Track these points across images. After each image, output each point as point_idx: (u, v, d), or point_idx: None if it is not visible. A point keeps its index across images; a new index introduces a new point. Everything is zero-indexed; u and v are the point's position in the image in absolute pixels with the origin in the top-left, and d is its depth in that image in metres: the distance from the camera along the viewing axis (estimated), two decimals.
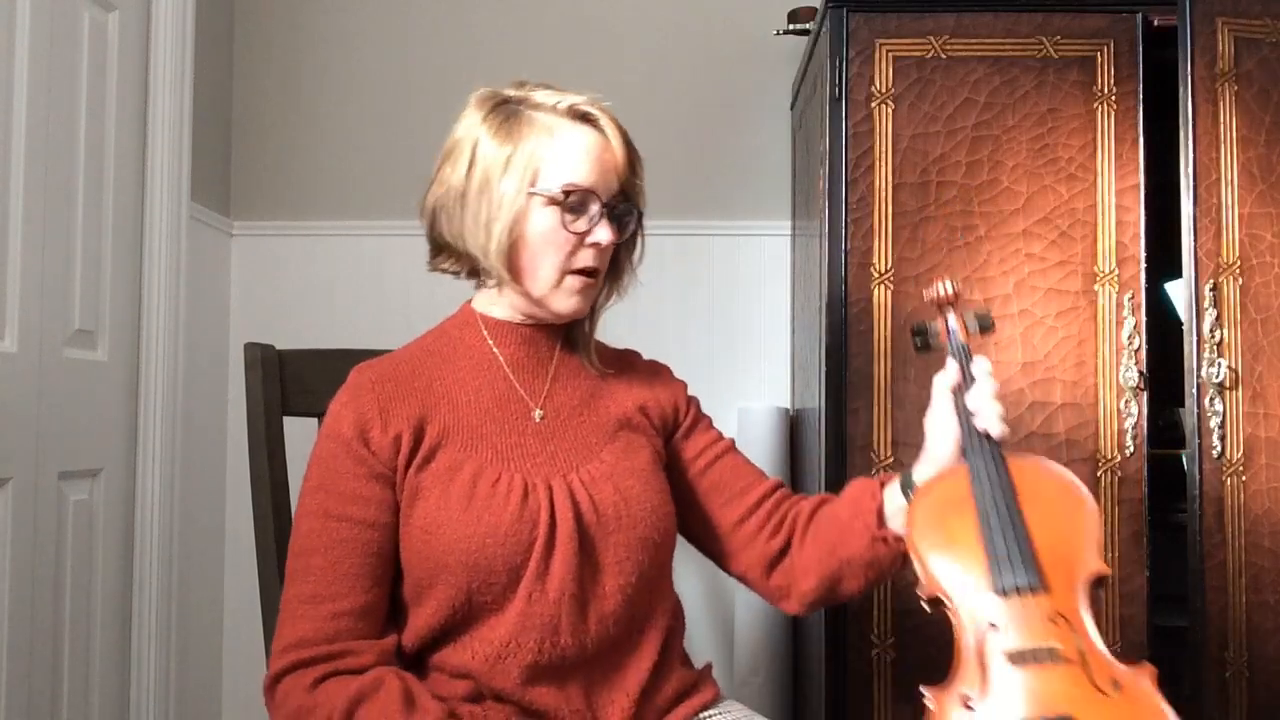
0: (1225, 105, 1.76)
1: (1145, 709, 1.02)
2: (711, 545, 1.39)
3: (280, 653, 1.17)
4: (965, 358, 1.28)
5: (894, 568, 1.29)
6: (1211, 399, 1.73)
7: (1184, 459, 1.76)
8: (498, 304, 1.31)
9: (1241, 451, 1.74)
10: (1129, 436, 1.88)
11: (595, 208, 1.24)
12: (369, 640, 1.18)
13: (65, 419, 1.97)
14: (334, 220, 2.62)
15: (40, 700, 1.90)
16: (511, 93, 1.29)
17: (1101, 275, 1.90)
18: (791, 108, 2.54)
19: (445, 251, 1.31)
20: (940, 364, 1.31)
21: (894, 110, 1.94)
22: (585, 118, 1.28)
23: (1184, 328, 1.74)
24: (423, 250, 2.85)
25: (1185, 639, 1.76)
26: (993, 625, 1.09)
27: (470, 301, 1.35)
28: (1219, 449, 1.73)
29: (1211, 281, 1.74)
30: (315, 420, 1.47)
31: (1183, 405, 1.77)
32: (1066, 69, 1.92)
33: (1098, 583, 1.13)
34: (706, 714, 1.30)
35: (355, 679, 1.14)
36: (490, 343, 1.31)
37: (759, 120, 2.59)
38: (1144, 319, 1.90)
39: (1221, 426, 1.73)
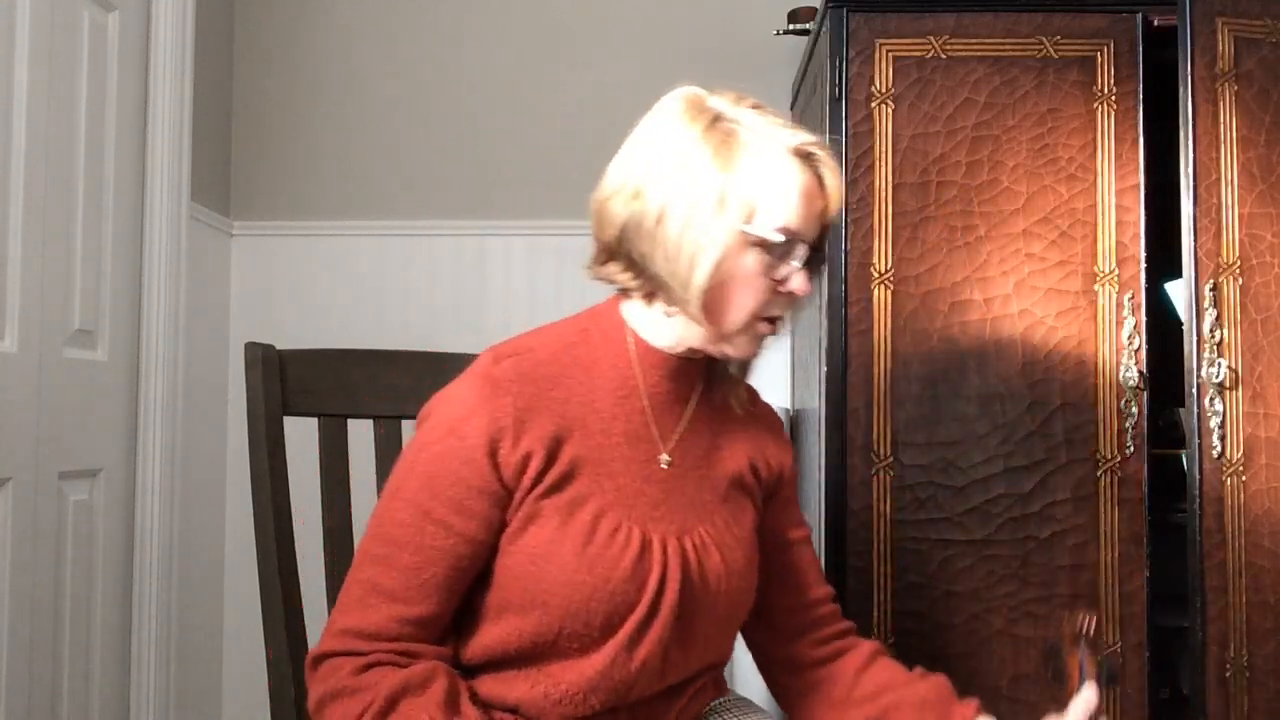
0: (1225, 105, 1.75)
1: None
2: (754, 625, 1.33)
3: (338, 634, 1.11)
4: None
5: None
6: (1211, 399, 1.73)
7: (1184, 459, 1.76)
8: (657, 326, 1.19)
9: (1241, 451, 1.74)
10: (1129, 436, 1.88)
11: (799, 255, 1.14)
12: (429, 645, 1.13)
13: (65, 419, 1.97)
14: (334, 220, 2.62)
15: (40, 700, 1.90)
16: (725, 108, 1.16)
17: (1101, 275, 1.90)
18: (791, 108, 2.54)
19: (624, 265, 1.18)
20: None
21: (894, 110, 1.94)
22: (807, 157, 1.15)
23: (1184, 328, 1.74)
24: (423, 250, 2.86)
25: (1185, 639, 1.76)
26: None
27: (618, 303, 1.23)
28: (1219, 449, 1.73)
29: (1211, 281, 1.74)
30: (315, 420, 1.47)
31: (1183, 405, 1.77)
32: (1066, 69, 1.92)
33: None
34: (717, 704, 1.30)
35: (404, 671, 1.09)
36: (636, 366, 1.20)
37: None
38: (1144, 319, 1.90)
39: (1221, 426, 1.73)
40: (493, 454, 1.11)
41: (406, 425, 1.56)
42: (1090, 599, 1.87)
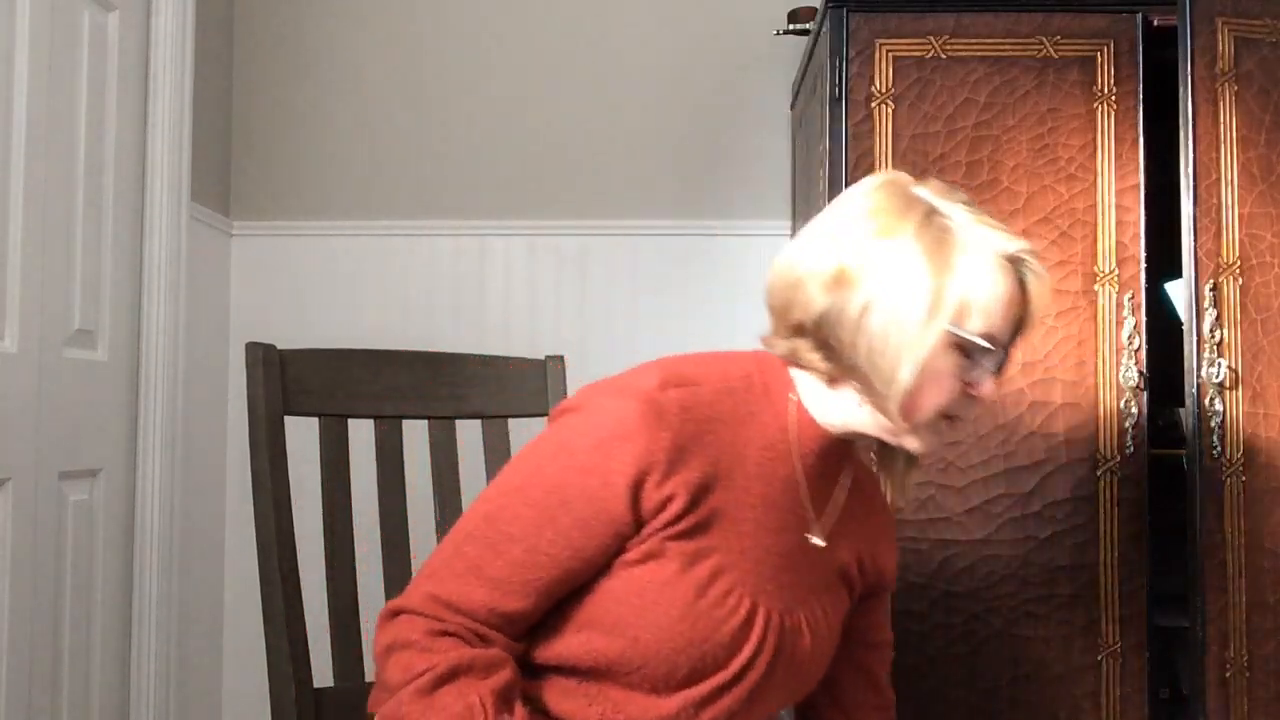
0: (1225, 105, 1.75)
1: None
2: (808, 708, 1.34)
3: (427, 598, 1.09)
4: None
5: None
6: (1211, 399, 1.73)
7: (1184, 459, 1.76)
8: (827, 402, 1.16)
9: (1241, 451, 1.74)
10: (1129, 436, 1.88)
11: (994, 361, 1.12)
12: (505, 638, 1.10)
13: (65, 419, 1.97)
14: (334, 220, 2.62)
15: (40, 700, 1.90)
16: (936, 202, 1.13)
17: (1101, 275, 1.90)
18: (791, 108, 2.54)
19: (815, 347, 1.14)
20: None
21: (894, 110, 1.94)
22: (1016, 262, 1.13)
23: (1184, 328, 1.74)
24: (423, 250, 2.85)
25: (1185, 639, 1.76)
26: None
27: (784, 364, 1.19)
28: (1219, 449, 1.73)
29: (1211, 281, 1.74)
30: (316, 420, 1.47)
31: (1183, 405, 1.77)
32: (1066, 69, 1.92)
33: None
34: None
35: (474, 649, 1.07)
36: (793, 434, 1.17)
37: (759, 120, 2.59)
38: (1144, 319, 1.90)
39: (1221, 426, 1.73)
40: (636, 487, 1.07)
41: (408, 425, 1.56)
42: (1090, 599, 1.88)
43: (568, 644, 1.13)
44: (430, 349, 1.62)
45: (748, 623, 1.12)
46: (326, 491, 1.47)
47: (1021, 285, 1.13)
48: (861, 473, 1.27)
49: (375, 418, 1.52)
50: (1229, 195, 1.75)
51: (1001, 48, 1.94)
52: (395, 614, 1.10)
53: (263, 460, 1.41)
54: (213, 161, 2.54)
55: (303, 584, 1.42)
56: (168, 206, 2.28)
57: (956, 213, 1.13)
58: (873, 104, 1.94)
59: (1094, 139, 1.91)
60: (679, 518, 1.09)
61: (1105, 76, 1.92)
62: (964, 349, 1.10)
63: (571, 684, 1.13)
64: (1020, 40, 1.93)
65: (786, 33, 2.47)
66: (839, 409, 1.16)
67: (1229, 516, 1.73)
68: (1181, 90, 1.75)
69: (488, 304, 2.59)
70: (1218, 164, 1.75)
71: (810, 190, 2.19)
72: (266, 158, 2.64)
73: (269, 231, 2.62)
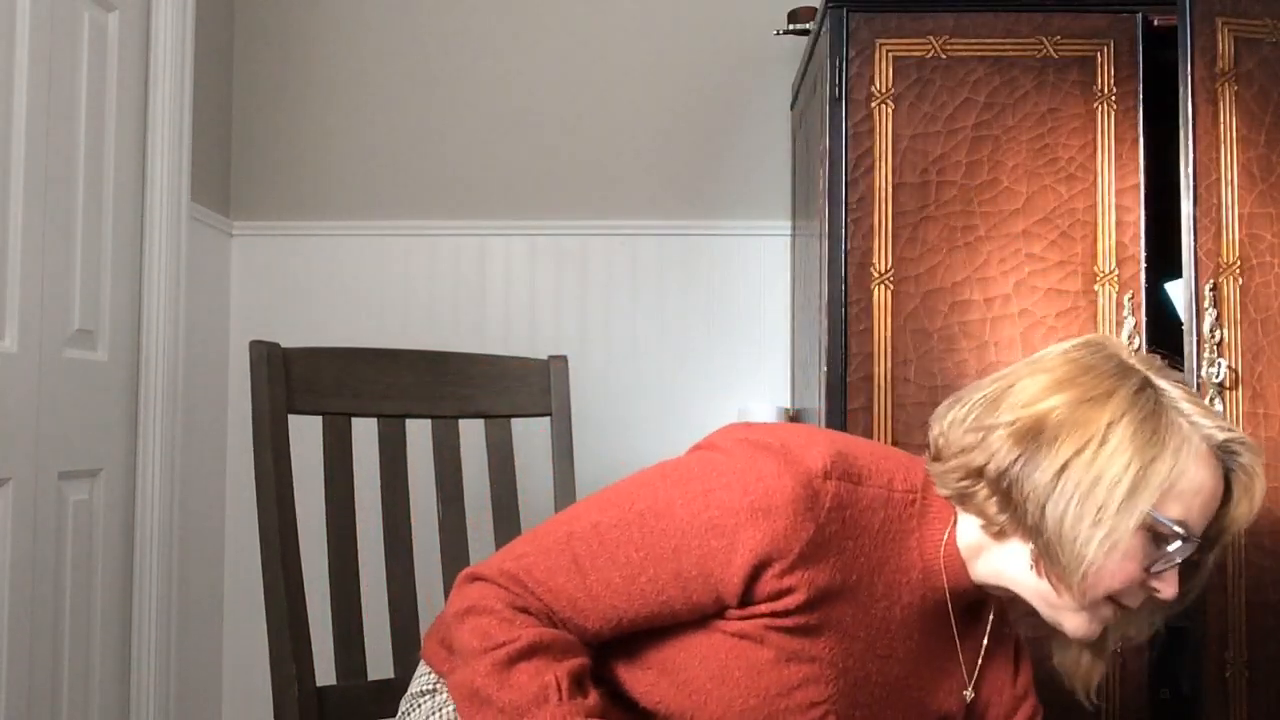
0: (1225, 105, 1.76)
1: None
2: None
3: (509, 577, 1.05)
4: None
5: None
6: (1211, 399, 1.73)
7: None
8: (988, 554, 1.10)
9: None
10: None
11: (1183, 553, 1.04)
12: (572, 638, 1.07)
13: (65, 419, 1.97)
14: (334, 220, 2.62)
15: (40, 700, 1.90)
16: (1157, 380, 1.07)
17: (1101, 275, 1.91)
18: (791, 108, 2.54)
19: (993, 494, 1.07)
20: None
21: (894, 110, 1.94)
22: (1231, 460, 1.06)
23: (1184, 328, 1.74)
24: (423, 250, 2.85)
25: (1185, 639, 1.76)
26: None
27: (956, 519, 1.11)
28: None
29: (1211, 281, 1.74)
30: (320, 419, 1.47)
31: None
32: (1066, 69, 1.93)
33: None
34: None
35: (553, 631, 1.03)
36: (941, 573, 1.10)
37: (759, 120, 2.59)
38: (1144, 319, 1.90)
39: None
40: (758, 569, 1.02)
41: (410, 424, 1.56)
42: None
43: (636, 677, 1.09)
44: (430, 349, 1.62)
45: None
46: (329, 490, 1.47)
47: (1227, 482, 1.06)
48: (996, 618, 1.19)
49: (379, 416, 1.52)
50: (1229, 195, 1.75)
51: (1001, 48, 1.94)
52: (474, 580, 1.06)
53: (266, 458, 1.41)
54: (213, 161, 2.54)
55: (305, 583, 1.42)
56: (168, 206, 2.28)
57: (1170, 389, 1.06)
58: (873, 104, 1.94)
59: (1094, 139, 1.92)
60: (791, 613, 1.04)
61: (1105, 76, 1.92)
62: (1156, 535, 1.03)
63: (629, 717, 1.11)
64: (1020, 40, 1.94)
65: (786, 33, 2.47)
66: (1000, 562, 1.09)
67: None
68: (1181, 90, 1.75)
69: (488, 304, 2.59)
70: (1218, 164, 1.75)
71: (810, 190, 2.19)
72: (266, 158, 2.64)
73: (269, 231, 2.62)
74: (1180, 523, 1.02)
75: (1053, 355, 1.10)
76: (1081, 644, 1.13)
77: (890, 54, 1.95)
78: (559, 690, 0.99)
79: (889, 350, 1.91)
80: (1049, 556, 1.03)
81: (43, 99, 1.89)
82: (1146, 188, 1.91)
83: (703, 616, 1.06)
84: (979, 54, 1.94)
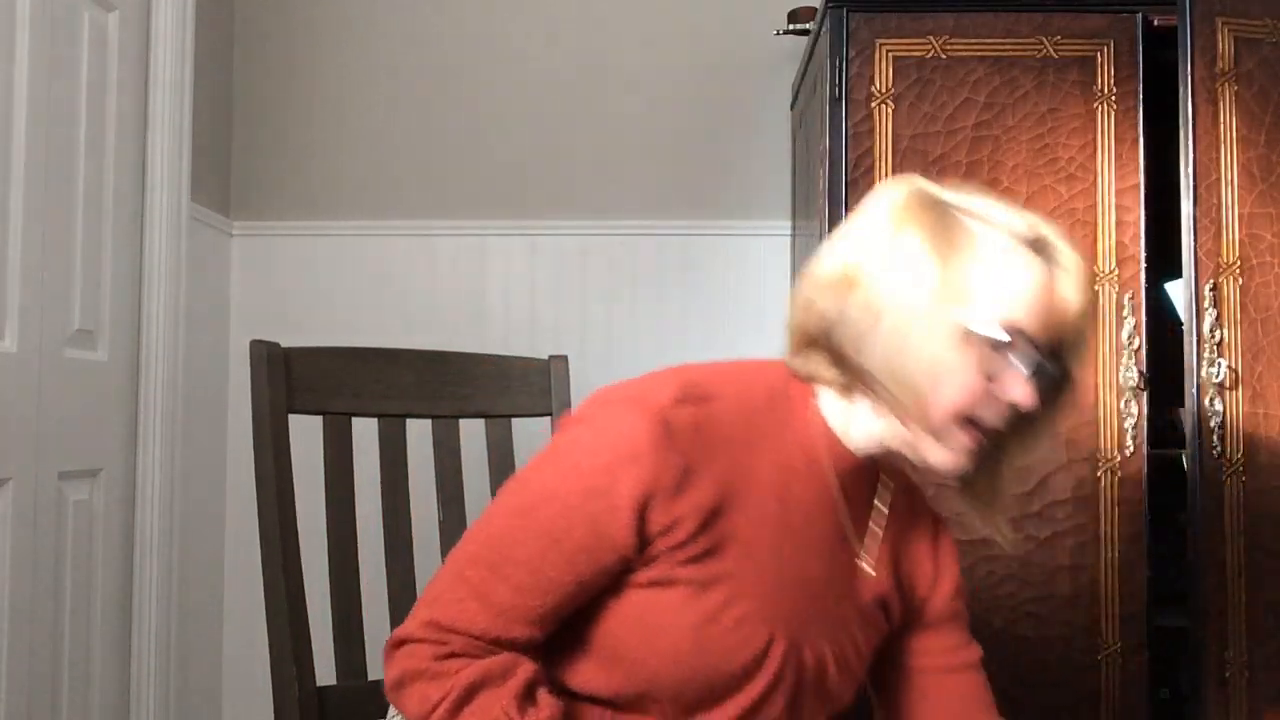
0: (1225, 105, 1.76)
1: None
2: None
3: (427, 624, 1.04)
4: None
5: None
6: (1211, 399, 1.73)
7: (1184, 459, 1.77)
8: (851, 421, 1.09)
9: (1241, 451, 1.74)
10: (1129, 436, 1.88)
11: (1024, 358, 1.01)
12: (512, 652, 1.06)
13: (65, 419, 1.97)
14: (334, 220, 2.62)
15: (40, 700, 1.90)
16: (950, 196, 1.07)
17: (1101, 275, 1.91)
18: (791, 108, 2.54)
19: (820, 351, 1.08)
20: None
21: (894, 110, 1.94)
22: (1044, 249, 1.04)
23: (1184, 328, 1.74)
24: (423, 250, 2.85)
25: (1185, 639, 1.76)
26: None
27: (814, 395, 1.11)
28: (1219, 449, 1.73)
29: (1211, 281, 1.74)
30: (320, 419, 1.47)
31: (1183, 405, 1.77)
32: (1066, 69, 1.93)
33: None
34: None
35: (484, 662, 1.03)
36: (822, 458, 1.10)
37: (759, 120, 2.59)
38: (1144, 319, 1.90)
39: (1221, 426, 1.73)
40: (641, 511, 1.01)
41: (411, 424, 1.56)
42: (1090, 599, 1.88)
43: (584, 673, 1.09)
44: (430, 349, 1.62)
45: (763, 653, 1.06)
46: (330, 489, 1.47)
47: (1061, 271, 1.04)
48: (903, 495, 1.18)
49: (379, 416, 1.52)
50: (1229, 195, 1.75)
51: (1001, 48, 1.94)
52: (399, 644, 1.06)
53: (266, 458, 1.41)
54: (213, 161, 2.54)
55: (306, 583, 1.42)
56: (168, 206, 2.28)
57: (972, 202, 1.06)
58: (873, 104, 1.94)
59: (1094, 139, 1.92)
60: (687, 542, 1.03)
61: (1105, 76, 1.92)
62: (987, 345, 1.01)
63: (598, 711, 1.10)
64: (1020, 40, 1.94)
65: (786, 33, 2.47)
66: (860, 424, 1.09)
67: (1229, 516, 1.73)
68: (1181, 90, 1.75)
69: (488, 304, 2.59)
70: (1218, 164, 1.75)
71: (810, 190, 2.19)
72: (266, 158, 2.64)
73: (269, 231, 2.62)
74: (1007, 326, 1.00)
75: (862, 211, 1.10)
76: (970, 493, 1.12)
77: (890, 54, 1.95)
78: (508, 715, 1.00)
79: None
80: (885, 395, 1.03)
81: (43, 99, 1.89)
82: (1146, 188, 1.91)
83: (616, 580, 1.05)
84: (979, 54, 1.94)
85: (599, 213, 2.61)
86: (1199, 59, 1.75)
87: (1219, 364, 1.73)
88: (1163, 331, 1.97)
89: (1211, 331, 1.73)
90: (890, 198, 1.07)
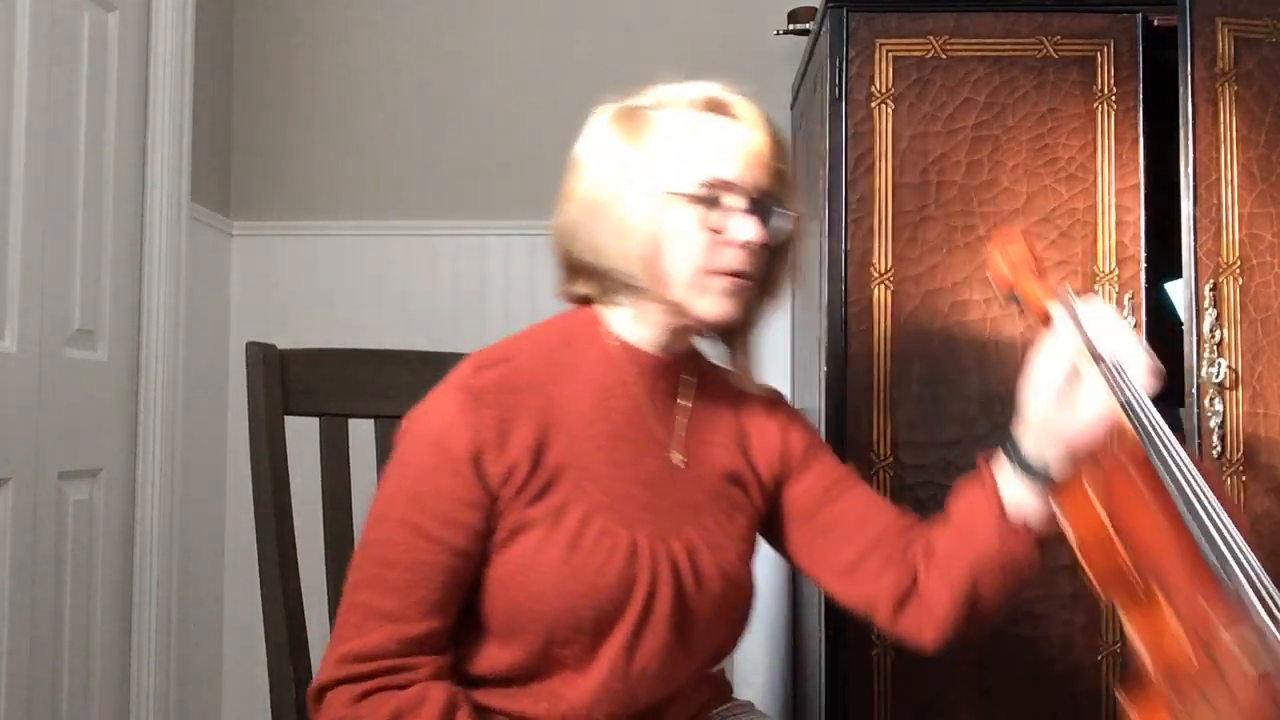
0: (1225, 105, 1.75)
1: None
2: (832, 585, 1.27)
3: (338, 662, 1.10)
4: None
5: (1032, 566, 1.18)
6: (1211, 399, 1.73)
7: None
8: (636, 325, 1.18)
9: (1241, 451, 1.74)
10: None
11: (737, 203, 1.12)
12: (427, 657, 1.11)
13: (65, 419, 1.97)
14: (334, 220, 2.62)
15: (40, 700, 1.90)
16: (636, 100, 1.20)
17: (1101, 275, 1.90)
18: (791, 108, 2.54)
19: (579, 273, 1.19)
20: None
21: (894, 110, 1.94)
22: (719, 107, 1.16)
23: (1184, 328, 1.74)
24: (423, 250, 2.86)
25: None
26: (1204, 599, 0.94)
27: (594, 308, 1.21)
28: (1219, 449, 1.73)
29: (1211, 281, 1.74)
30: (316, 420, 1.47)
31: (1183, 405, 1.77)
32: (1066, 69, 1.92)
33: None
34: (721, 710, 1.30)
35: (398, 694, 1.08)
36: (623, 368, 1.18)
37: None
38: (1144, 319, 1.90)
39: (1221, 426, 1.73)
40: (478, 465, 1.09)
41: None
42: (1090, 599, 1.87)
43: (491, 655, 1.14)
44: (430, 349, 1.62)
45: (632, 557, 1.12)
46: (327, 491, 1.47)
47: (744, 122, 1.15)
48: (710, 379, 1.25)
49: (376, 417, 1.52)
50: (1229, 195, 1.75)
51: (1001, 48, 1.94)
52: (321, 693, 1.11)
53: (263, 460, 1.41)
54: (213, 161, 2.54)
55: (303, 583, 1.42)
56: (168, 206, 2.28)
57: (654, 93, 1.18)
58: (873, 104, 1.94)
59: (1094, 139, 1.91)
60: (526, 483, 1.11)
61: (1105, 76, 1.92)
62: (697, 200, 1.11)
63: (515, 690, 1.15)
64: (1020, 40, 1.93)
65: (786, 33, 2.47)
66: (645, 326, 1.17)
67: None
68: (1181, 90, 1.75)
69: (488, 304, 2.59)
70: (1218, 164, 1.75)
71: (810, 190, 2.19)
72: (266, 158, 2.64)
73: (269, 231, 2.62)
74: (707, 181, 1.11)
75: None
76: (739, 349, 1.21)
77: (890, 54, 1.94)
78: None
79: (889, 350, 1.91)
80: (632, 283, 1.13)
81: (43, 99, 1.89)
82: (1146, 188, 1.90)
83: (485, 543, 1.12)
84: (979, 54, 1.94)
85: None
86: (1199, 59, 1.75)
87: (1219, 364, 1.72)
88: (1163, 331, 1.97)
89: (1211, 331, 1.73)
90: (593, 123, 1.20)
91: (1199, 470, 1.03)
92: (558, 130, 2.61)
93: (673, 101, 1.17)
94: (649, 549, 1.13)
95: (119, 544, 2.18)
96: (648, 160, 1.13)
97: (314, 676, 1.13)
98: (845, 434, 1.90)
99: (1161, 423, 1.06)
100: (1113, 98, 1.92)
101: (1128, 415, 1.07)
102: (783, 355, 2.56)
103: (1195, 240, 1.74)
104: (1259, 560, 0.97)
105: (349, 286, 2.60)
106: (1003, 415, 1.88)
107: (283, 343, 1.50)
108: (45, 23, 1.90)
